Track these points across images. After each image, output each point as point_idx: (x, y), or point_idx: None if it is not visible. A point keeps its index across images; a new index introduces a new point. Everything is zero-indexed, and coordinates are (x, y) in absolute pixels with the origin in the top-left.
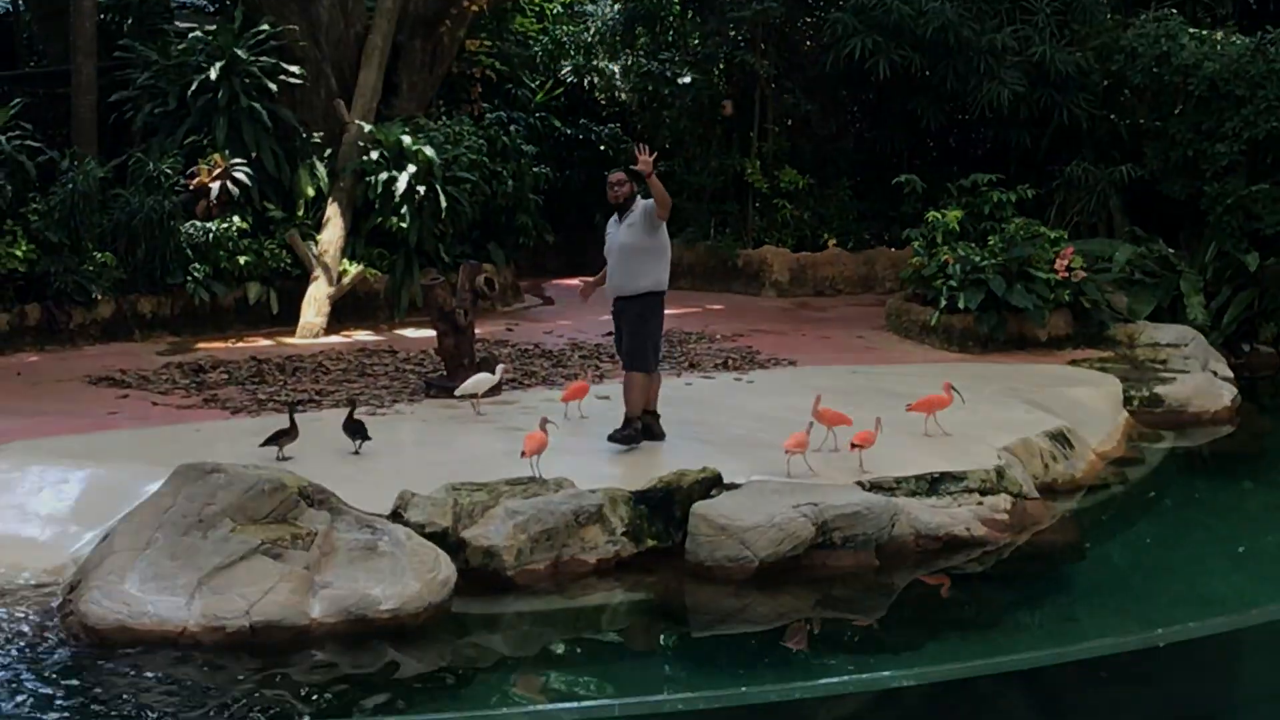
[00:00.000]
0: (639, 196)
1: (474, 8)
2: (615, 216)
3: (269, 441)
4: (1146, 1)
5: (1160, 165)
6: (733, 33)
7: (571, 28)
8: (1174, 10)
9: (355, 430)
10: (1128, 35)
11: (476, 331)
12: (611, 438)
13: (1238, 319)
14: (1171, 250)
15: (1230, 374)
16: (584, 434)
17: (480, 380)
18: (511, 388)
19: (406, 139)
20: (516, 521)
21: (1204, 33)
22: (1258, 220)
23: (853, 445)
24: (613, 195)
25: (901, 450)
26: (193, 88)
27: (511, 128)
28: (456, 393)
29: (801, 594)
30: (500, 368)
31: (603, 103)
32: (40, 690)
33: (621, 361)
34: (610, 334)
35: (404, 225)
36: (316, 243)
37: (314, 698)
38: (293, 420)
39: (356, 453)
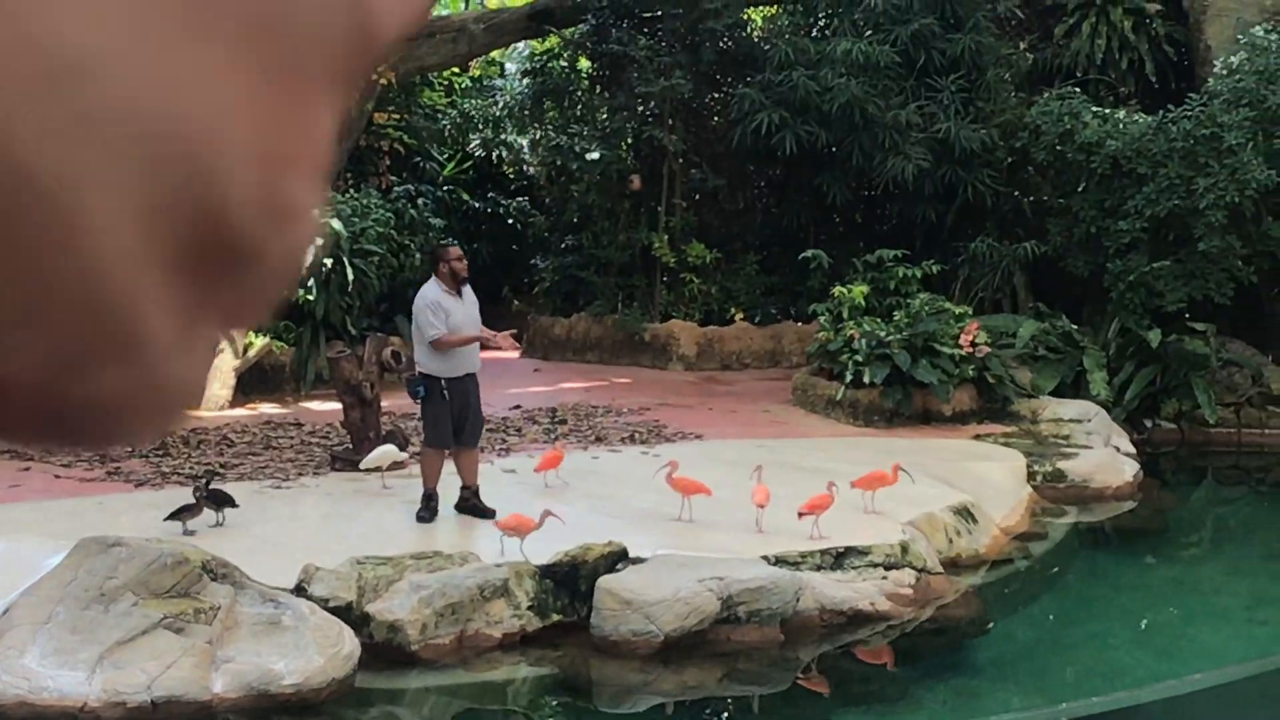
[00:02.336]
0: None
1: (382, 81)
2: (446, 293)
3: (174, 516)
4: (1050, 80)
5: (1063, 241)
6: (641, 108)
7: (480, 102)
8: (1077, 89)
9: (219, 500)
10: (1031, 113)
11: (383, 404)
12: (473, 509)
13: (1140, 395)
14: (1075, 326)
15: (1133, 449)
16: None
17: (385, 453)
18: (417, 460)
19: None
20: (421, 595)
21: (1107, 111)
22: (1159, 297)
23: (801, 514)
24: (463, 269)
25: (805, 524)
26: None
27: (419, 200)
28: (361, 465)
29: (707, 668)
30: (395, 450)
31: (511, 176)
32: None
33: (463, 440)
34: (516, 407)
35: (310, 298)
36: None
37: None
38: (198, 495)
39: (219, 524)
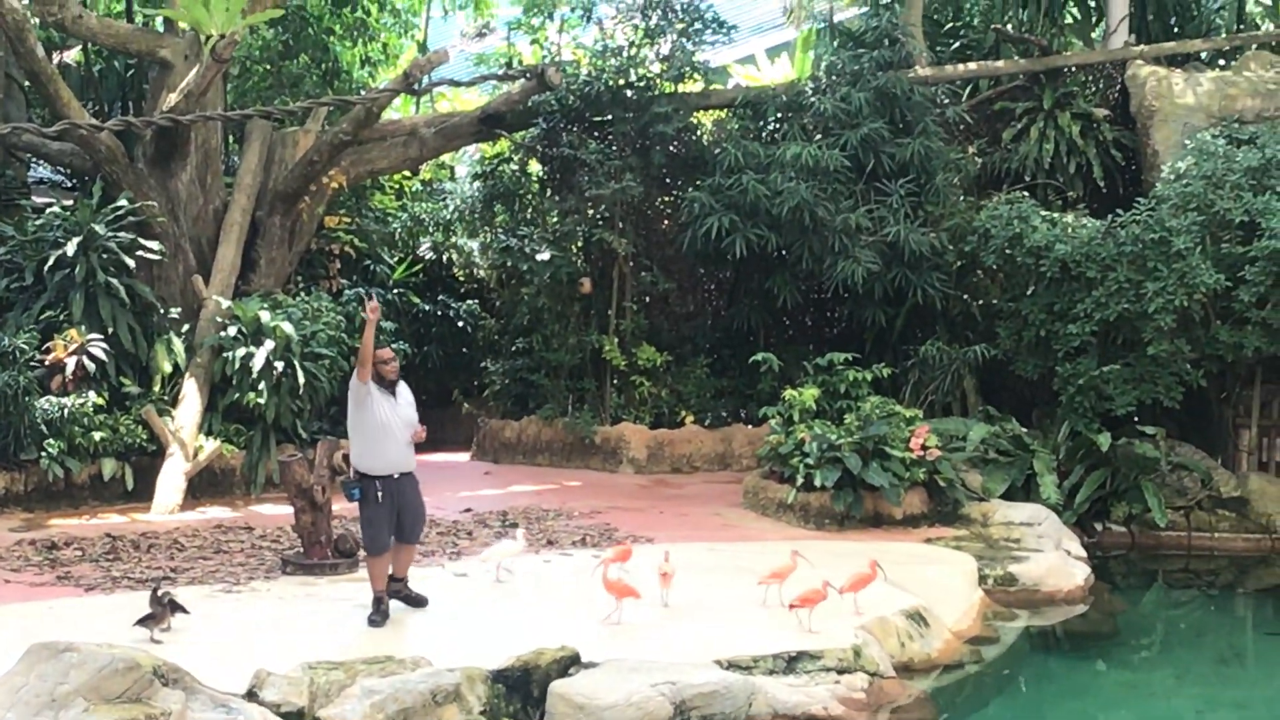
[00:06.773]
0: None
1: (333, 185)
2: (380, 392)
3: (140, 623)
4: (999, 184)
5: (1013, 345)
6: (591, 211)
7: (430, 205)
8: (1026, 193)
9: (174, 607)
10: (981, 217)
11: (334, 508)
12: (405, 597)
13: (1090, 498)
14: (1025, 429)
15: (1083, 553)
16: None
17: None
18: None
19: (265, 315)
20: (373, 701)
21: (1055, 215)
22: (1109, 400)
23: (792, 606)
24: (391, 371)
25: (757, 628)
26: (49, 263)
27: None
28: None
29: None
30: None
31: (461, 279)
32: None
33: (404, 538)
34: (467, 510)
35: (261, 401)
36: (173, 418)
37: None
38: (163, 602)
39: (166, 629)
